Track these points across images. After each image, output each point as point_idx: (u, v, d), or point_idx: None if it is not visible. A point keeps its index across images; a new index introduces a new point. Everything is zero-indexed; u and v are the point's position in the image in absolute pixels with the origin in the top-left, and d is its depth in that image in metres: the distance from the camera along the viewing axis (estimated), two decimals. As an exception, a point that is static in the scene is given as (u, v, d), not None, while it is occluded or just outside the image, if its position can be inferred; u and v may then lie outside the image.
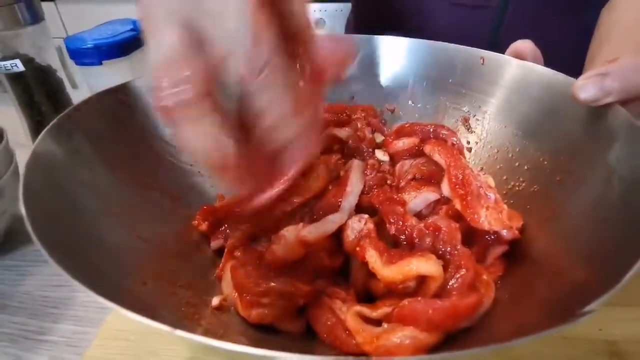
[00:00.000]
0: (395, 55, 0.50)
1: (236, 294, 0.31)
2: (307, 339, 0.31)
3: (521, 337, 0.19)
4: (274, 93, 0.25)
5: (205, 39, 0.24)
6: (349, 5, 0.81)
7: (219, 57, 0.24)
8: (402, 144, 0.41)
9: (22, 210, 0.23)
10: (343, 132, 0.45)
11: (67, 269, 0.20)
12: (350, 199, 0.36)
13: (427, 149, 0.39)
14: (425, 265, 0.28)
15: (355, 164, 0.40)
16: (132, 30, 0.59)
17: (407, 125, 0.43)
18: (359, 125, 0.45)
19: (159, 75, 0.24)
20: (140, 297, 0.27)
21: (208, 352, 0.34)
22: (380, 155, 0.43)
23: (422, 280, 0.29)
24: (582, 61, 0.47)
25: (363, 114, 0.47)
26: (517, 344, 0.20)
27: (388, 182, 0.40)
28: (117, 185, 0.34)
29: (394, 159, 0.42)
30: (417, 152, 0.41)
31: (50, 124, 0.31)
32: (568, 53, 0.41)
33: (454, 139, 0.40)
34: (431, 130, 0.41)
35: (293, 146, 0.27)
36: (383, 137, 0.45)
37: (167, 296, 0.30)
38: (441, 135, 0.40)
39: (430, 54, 0.48)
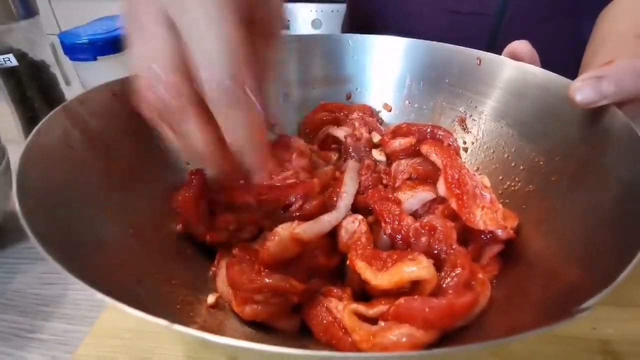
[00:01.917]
0: (392, 54, 0.50)
1: (231, 290, 0.31)
2: (302, 337, 0.31)
3: (514, 335, 0.19)
4: (232, 117, 0.26)
5: (185, 43, 0.24)
6: (344, 5, 0.81)
7: (195, 66, 0.25)
8: (399, 143, 0.41)
9: (16, 204, 0.23)
10: (340, 132, 0.46)
11: (61, 263, 0.20)
12: (345, 198, 0.36)
13: (424, 148, 0.39)
14: (416, 271, 0.28)
15: (350, 164, 0.40)
16: (127, 26, 0.58)
17: (403, 126, 0.43)
18: (356, 124, 0.45)
19: (147, 77, 0.25)
20: (134, 294, 0.27)
21: (203, 351, 0.34)
22: (377, 155, 0.43)
23: (417, 281, 0.29)
24: (578, 68, 0.48)
25: (360, 114, 0.47)
26: (511, 341, 0.20)
27: (384, 182, 0.40)
28: (112, 182, 0.33)
29: (390, 158, 0.43)
30: (413, 152, 0.41)
31: (44, 118, 0.30)
32: (564, 60, 0.42)
33: (451, 139, 0.41)
34: (428, 130, 0.41)
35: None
36: (380, 137, 0.45)
37: (162, 294, 0.30)
38: (438, 136, 0.41)
39: (427, 54, 0.48)
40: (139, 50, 0.26)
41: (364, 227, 0.33)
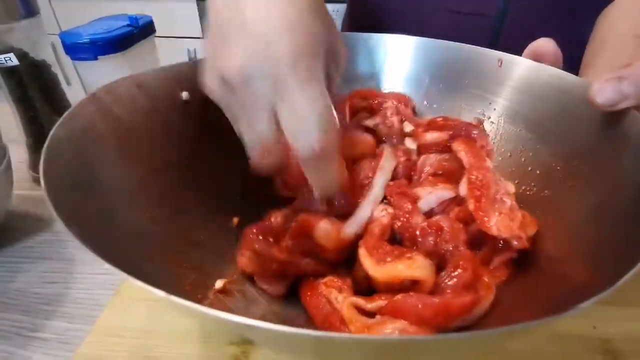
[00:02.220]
0: (411, 54, 0.49)
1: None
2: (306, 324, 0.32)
3: (503, 327, 0.19)
4: (323, 175, 0.31)
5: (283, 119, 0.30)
6: (345, 5, 0.81)
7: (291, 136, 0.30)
8: (431, 137, 0.40)
9: (43, 187, 0.24)
10: (371, 122, 0.45)
11: (80, 238, 0.21)
12: (385, 175, 0.36)
13: (455, 145, 0.38)
14: (411, 270, 0.29)
15: (386, 147, 0.40)
16: (127, 25, 0.58)
17: (439, 119, 0.42)
18: (388, 114, 0.44)
19: (256, 153, 0.32)
20: (144, 272, 0.27)
21: (205, 349, 0.34)
22: (410, 143, 0.42)
23: (416, 280, 0.30)
24: (578, 68, 0.47)
25: (395, 103, 0.45)
26: (497, 332, 0.20)
27: (412, 173, 0.39)
28: (134, 168, 0.34)
29: (420, 150, 0.41)
30: (444, 148, 0.40)
31: (71, 107, 0.31)
32: (564, 60, 0.41)
33: (485, 141, 0.39)
34: (463, 127, 0.40)
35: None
36: (412, 127, 0.44)
37: (172, 276, 0.31)
38: (472, 135, 0.39)
39: (446, 54, 0.47)
40: (248, 132, 0.31)
41: (385, 220, 0.33)
